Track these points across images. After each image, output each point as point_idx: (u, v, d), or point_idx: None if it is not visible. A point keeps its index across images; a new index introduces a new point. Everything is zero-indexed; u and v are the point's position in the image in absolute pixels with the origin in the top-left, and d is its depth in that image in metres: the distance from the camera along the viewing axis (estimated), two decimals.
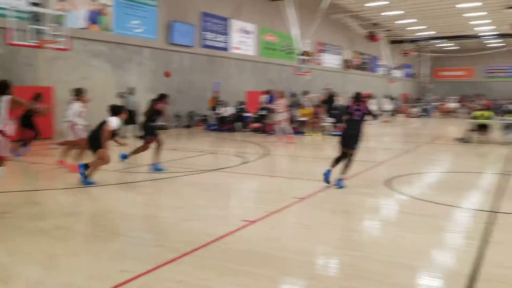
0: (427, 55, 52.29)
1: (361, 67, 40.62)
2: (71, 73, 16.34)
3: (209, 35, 22.91)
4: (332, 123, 19.40)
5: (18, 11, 12.94)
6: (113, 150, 8.71)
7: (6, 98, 6.04)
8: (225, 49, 24.06)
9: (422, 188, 8.45)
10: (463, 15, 34.47)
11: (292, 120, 18.76)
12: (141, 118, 11.00)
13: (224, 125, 20.00)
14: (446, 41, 45.70)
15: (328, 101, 21.56)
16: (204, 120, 22.41)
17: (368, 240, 5.35)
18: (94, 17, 17.16)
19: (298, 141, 15.65)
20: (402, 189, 7.91)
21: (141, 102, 17.30)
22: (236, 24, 24.74)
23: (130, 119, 16.62)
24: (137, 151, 9.72)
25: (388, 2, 30.01)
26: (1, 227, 5.52)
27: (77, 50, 16.47)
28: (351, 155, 8.05)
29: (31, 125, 11.78)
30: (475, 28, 40.06)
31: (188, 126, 21.46)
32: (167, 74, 19.22)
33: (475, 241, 5.03)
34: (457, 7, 31.80)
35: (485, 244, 4.95)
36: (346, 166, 8.02)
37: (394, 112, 35.74)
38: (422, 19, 35.79)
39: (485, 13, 33.57)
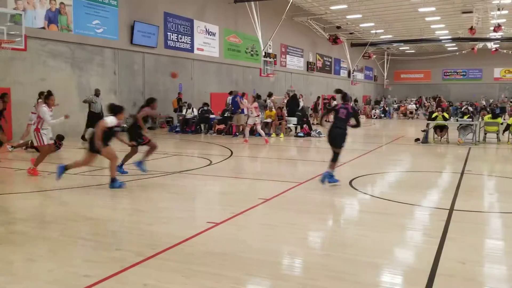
0: (387, 58, 53.50)
1: (324, 69, 41.14)
2: (28, 74, 15.89)
3: (172, 36, 22.72)
4: (296, 124, 19.62)
5: None
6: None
7: None
8: (189, 50, 23.92)
9: (383, 188, 8.64)
10: (420, 19, 35.42)
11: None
12: (129, 123, 10.90)
13: (188, 127, 19.88)
14: (403, 44, 46.85)
15: (291, 103, 21.79)
16: (168, 122, 22.23)
17: (332, 239, 5.43)
18: (53, 17, 16.74)
19: (262, 142, 15.70)
20: (364, 189, 8.07)
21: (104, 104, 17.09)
22: (199, 25, 24.63)
23: (92, 121, 16.36)
24: (128, 157, 9.58)
25: (346, 6, 30.51)
26: None
27: (35, 51, 16.03)
28: (337, 153, 8.21)
29: None
30: (436, 32, 41.22)
31: (151, 128, 21.20)
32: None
33: (434, 238, 5.18)
34: (412, 11, 32.67)
35: (443, 240, 5.10)
36: (333, 162, 8.16)
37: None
38: (379, 23, 36.56)
39: (439, 17, 34.61)
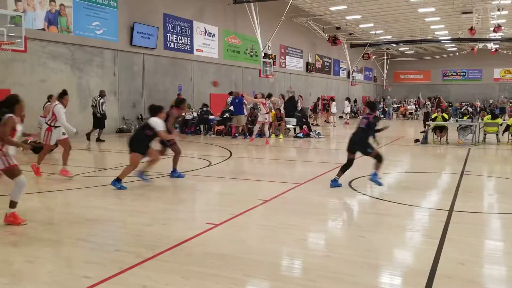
0: (387, 59, 53.51)
1: (324, 70, 41.16)
2: (28, 76, 15.90)
3: (172, 37, 22.73)
4: (295, 125, 19.63)
5: None
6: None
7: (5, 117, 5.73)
8: (188, 51, 23.92)
9: (383, 189, 8.63)
10: (420, 19, 35.43)
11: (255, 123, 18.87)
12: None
13: (188, 127, 19.89)
14: (402, 45, 46.88)
15: (289, 104, 21.77)
16: None
17: (332, 240, 5.43)
18: (53, 18, 16.74)
19: (261, 143, 15.71)
20: (364, 190, 8.07)
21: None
22: (199, 27, 24.63)
23: (101, 122, 16.47)
24: (175, 160, 9.34)
25: (345, 7, 30.51)
26: None
27: (35, 52, 16.04)
28: (373, 157, 8.08)
29: None
30: (436, 33, 41.24)
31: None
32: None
33: (434, 239, 5.18)
34: (412, 12, 32.68)
35: (443, 241, 5.11)
36: (377, 162, 8.09)
37: (356, 114, 36.41)
38: (379, 23, 36.57)
39: (439, 18, 34.61)
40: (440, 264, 4.42)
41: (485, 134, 16.44)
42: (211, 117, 20.05)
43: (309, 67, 37.79)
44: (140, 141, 8.11)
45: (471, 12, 30.37)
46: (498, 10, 28.97)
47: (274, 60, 29.62)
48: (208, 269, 4.28)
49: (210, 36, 25.58)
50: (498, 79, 52.56)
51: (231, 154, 13.09)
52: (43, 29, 16.40)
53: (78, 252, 4.87)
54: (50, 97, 14.24)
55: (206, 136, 18.96)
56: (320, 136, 18.03)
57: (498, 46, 42.36)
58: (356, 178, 9.00)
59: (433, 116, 16.61)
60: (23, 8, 15.46)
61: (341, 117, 29.78)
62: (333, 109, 27.21)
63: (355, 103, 39.78)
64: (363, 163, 11.66)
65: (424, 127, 20.51)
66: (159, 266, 4.36)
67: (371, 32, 39.61)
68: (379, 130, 8.31)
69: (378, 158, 8.09)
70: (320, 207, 6.97)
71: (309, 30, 35.61)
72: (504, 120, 19.59)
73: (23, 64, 15.74)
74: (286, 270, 4.50)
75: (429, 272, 4.22)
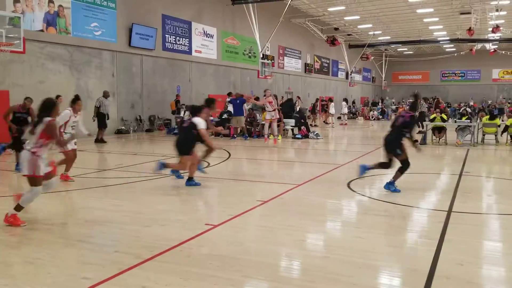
0: (385, 59, 53.58)
1: (322, 70, 41.19)
2: (27, 77, 15.89)
3: (170, 38, 22.74)
4: (293, 126, 19.62)
5: None
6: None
7: (45, 121, 5.81)
8: (186, 52, 23.93)
9: (381, 189, 8.63)
10: (418, 20, 35.47)
11: (255, 124, 18.88)
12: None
13: None
14: (401, 45, 46.94)
15: (286, 106, 21.75)
16: (166, 124, 22.23)
17: (330, 241, 5.44)
18: (52, 20, 16.74)
19: (260, 144, 15.71)
20: (362, 191, 8.08)
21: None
22: (197, 28, 24.65)
23: (103, 122, 16.51)
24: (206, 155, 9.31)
25: (344, 8, 30.54)
26: None
27: (33, 53, 16.04)
28: (399, 160, 7.89)
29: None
30: (434, 33, 41.29)
31: (149, 131, 21.22)
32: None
33: (432, 240, 5.19)
34: (410, 12, 32.71)
35: (442, 242, 5.11)
36: (399, 172, 7.91)
37: (355, 115, 36.43)
38: (377, 24, 36.61)
39: (437, 19, 34.65)
40: (439, 265, 4.43)
41: (483, 135, 16.46)
42: (209, 118, 20.00)
43: (307, 68, 37.82)
44: (189, 142, 8.27)
45: (469, 13, 30.41)
46: (497, 10, 29.01)
47: (273, 61, 29.64)
48: (207, 270, 4.29)
49: (208, 37, 25.60)
50: (497, 80, 52.65)
51: (229, 155, 13.08)
52: (42, 30, 16.39)
53: (78, 253, 4.87)
54: (57, 97, 14.33)
55: None
56: (318, 137, 18.04)
57: (496, 46, 42.42)
58: (355, 179, 9.00)
59: (431, 116, 16.62)
60: (21, 9, 15.46)
61: (339, 118, 29.79)
62: (332, 110, 27.23)
63: (354, 104, 39.81)
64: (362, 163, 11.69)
65: (418, 127, 20.56)
66: (158, 267, 4.36)
67: (370, 33, 39.66)
68: (415, 140, 8.07)
69: (404, 165, 7.83)
70: (318, 208, 6.97)
71: (308, 31, 35.64)
72: (502, 120, 19.62)
73: (21, 65, 15.73)
74: (284, 271, 4.51)
75: (428, 273, 4.22)
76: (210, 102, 9.28)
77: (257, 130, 18.71)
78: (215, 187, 8.64)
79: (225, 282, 4.03)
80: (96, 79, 18.76)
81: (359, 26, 37.97)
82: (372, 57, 48.25)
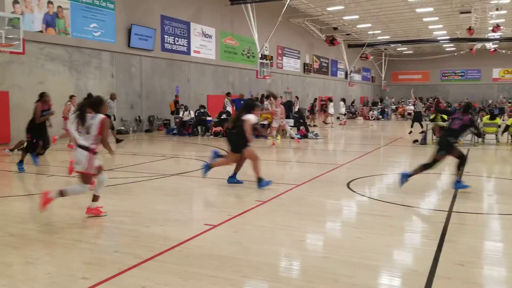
0: (385, 59, 53.58)
1: (321, 70, 41.18)
2: (26, 78, 15.89)
3: (169, 38, 22.73)
4: (292, 126, 19.60)
5: None
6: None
7: (100, 117, 5.97)
8: (185, 52, 23.92)
9: (381, 190, 8.64)
10: (418, 19, 35.46)
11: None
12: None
13: (185, 129, 19.88)
14: (400, 45, 46.94)
15: (286, 105, 21.74)
16: (165, 125, 22.23)
17: (330, 241, 5.42)
18: (51, 20, 16.73)
19: (259, 144, 15.69)
20: (362, 191, 8.06)
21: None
22: (196, 28, 24.64)
23: (110, 123, 16.50)
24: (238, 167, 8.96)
25: (343, 7, 30.54)
26: None
27: (33, 54, 16.03)
28: (457, 156, 7.95)
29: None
30: (434, 33, 41.28)
31: (148, 131, 21.22)
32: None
33: (433, 240, 5.18)
34: (410, 12, 32.71)
35: (442, 242, 5.10)
36: (459, 168, 7.95)
37: (354, 114, 36.39)
38: (376, 24, 36.60)
39: (437, 18, 34.65)
40: (439, 265, 4.42)
41: (484, 135, 16.45)
42: (208, 118, 20.03)
43: (306, 68, 37.81)
44: (243, 139, 8.24)
45: (469, 12, 30.40)
46: (497, 9, 29.02)
47: (271, 61, 29.63)
48: (206, 270, 4.28)
49: (207, 38, 25.59)
50: (497, 79, 52.63)
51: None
52: (41, 31, 16.38)
53: (77, 253, 4.86)
54: (71, 97, 14.31)
55: (204, 138, 18.94)
56: (317, 137, 18.02)
57: (497, 46, 42.42)
58: (355, 179, 9.00)
59: (432, 116, 16.62)
60: (21, 10, 15.45)
61: (338, 118, 29.79)
62: (331, 110, 27.23)
63: (353, 104, 39.79)
64: (361, 164, 11.69)
65: (412, 126, 20.60)
66: (157, 267, 4.35)
67: (369, 33, 39.65)
68: (478, 131, 8.18)
69: (462, 159, 7.86)
70: (318, 208, 6.96)
71: (306, 30, 35.64)
72: (503, 120, 19.61)
73: (21, 66, 15.73)
74: (283, 271, 4.49)
75: (428, 273, 4.21)
76: (256, 104, 9.00)
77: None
78: (214, 187, 8.62)
79: (224, 282, 4.02)
80: (95, 79, 18.75)
81: (358, 26, 37.95)
82: (372, 57, 48.24)
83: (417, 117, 20.90)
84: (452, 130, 8.05)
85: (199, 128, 19.99)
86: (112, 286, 3.96)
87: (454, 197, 7.48)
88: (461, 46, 45.33)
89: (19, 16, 14.28)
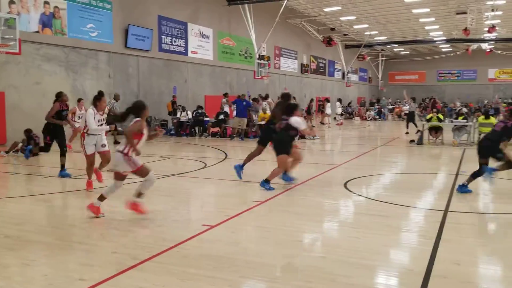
0: (382, 59, 53.63)
1: (318, 71, 41.19)
2: (23, 78, 15.84)
3: (166, 39, 22.71)
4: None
5: None
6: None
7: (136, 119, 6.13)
8: (183, 53, 23.90)
9: (378, 189, 8.66)
10: (414, 20, 35.50)
11: (251, 124, 18.87)
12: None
13: (183, 130, 19.88)
14: (397, 46, 47.00)
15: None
16: (162, 125, 22.21)
17: (327, 241, 5.44)
18: (47, 21, 16.69)
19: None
20: (359, 191, 8.08)
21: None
22: (193, 28, 24.62)
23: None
24: (250, 156, 9.41)
25: (340, 8, 30.56)
26: None
27: (29, 54, 15.98)
28: (507, 161, 7.73)
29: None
30: (430, 33, 41.35)
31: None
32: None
33: (429, 239, 5.20)
34: (406, 12, 32.75)
35: (438, 242, 5.12)
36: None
37: (351, 115, 36.41)
38: (373, 24, 36.61)
39: (433, 19, 34.72)
40: (435, 264, 4.44)
41: (480, 135, 16.48)
42: (206, 119, 20.03)
43: (303, 68, 37.82)
44: (287, 142, 8.23)
45: (465, 13, 30.48)
46: (492, 10, 29.10)
47: (269, 62, 29.64)
48: (204, 271, 4.28)
49: (204, 38, 25.57)
50: (493, 80, 52.75)
51: (226, 155, 13.08)
52: (37, 32, 16.34)
53: (74, 254, 4.86)
54: (79, 101, 14.29)
55: (201, 138, 18.95)
56: (315, 138, 18.04)
57: (492, 46, 42.52)
58: (352, 179, 9.01)
59: (428, 116, 16.67)
60: (17, 10, 15.41)
61: (334, 118, 29.83)
62: (328, 110, 27.25)
63: (350, 105, 39.82)
64: (358, 164, 11.71)
65: (407, 127, 20.66)
66: (155, 268, 4.36)
67: (366, 33, 39.68)
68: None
69: (510, 164, 7.73)
70: (315, 208, 6.98)
71: (304, 31, 35.65)
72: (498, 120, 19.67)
73: (17, 66, 15.68)
74: (281, 271, 4.50)
75: (424, 272, 4.23)
76: (297, 106, 8.92)
77: (253, 130, 18.70)
78: (212, 188, 8.63)
79: (222, 283, 4.03)
80: (92, 80, 18.71)
81: (355, 26, 37.97)
82: (369, 57, 48.27)
83: (410, 117, 20.98)
84: (492, 132, 7.96)
85: (196, 128, 19.99)
86: (109, 287, 3.96)
87: (450, 196, 7.51)
88: (457, 46, 45.42)
89: (15, 16, 14.24)
